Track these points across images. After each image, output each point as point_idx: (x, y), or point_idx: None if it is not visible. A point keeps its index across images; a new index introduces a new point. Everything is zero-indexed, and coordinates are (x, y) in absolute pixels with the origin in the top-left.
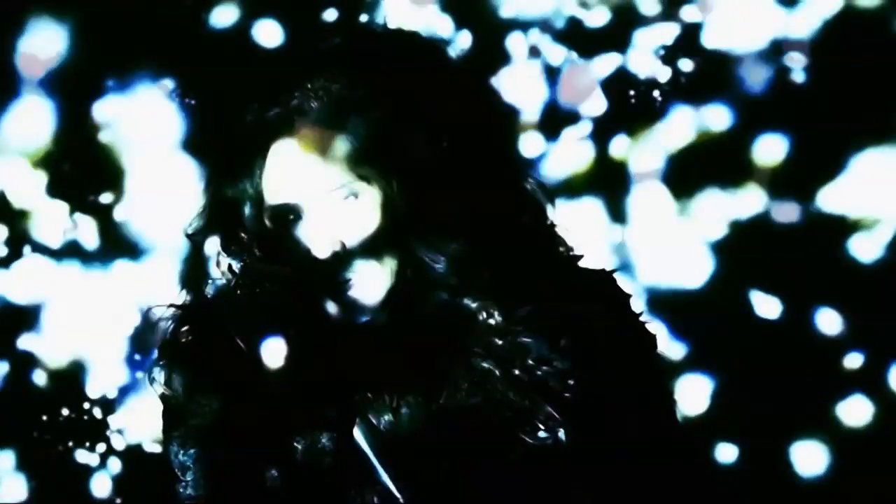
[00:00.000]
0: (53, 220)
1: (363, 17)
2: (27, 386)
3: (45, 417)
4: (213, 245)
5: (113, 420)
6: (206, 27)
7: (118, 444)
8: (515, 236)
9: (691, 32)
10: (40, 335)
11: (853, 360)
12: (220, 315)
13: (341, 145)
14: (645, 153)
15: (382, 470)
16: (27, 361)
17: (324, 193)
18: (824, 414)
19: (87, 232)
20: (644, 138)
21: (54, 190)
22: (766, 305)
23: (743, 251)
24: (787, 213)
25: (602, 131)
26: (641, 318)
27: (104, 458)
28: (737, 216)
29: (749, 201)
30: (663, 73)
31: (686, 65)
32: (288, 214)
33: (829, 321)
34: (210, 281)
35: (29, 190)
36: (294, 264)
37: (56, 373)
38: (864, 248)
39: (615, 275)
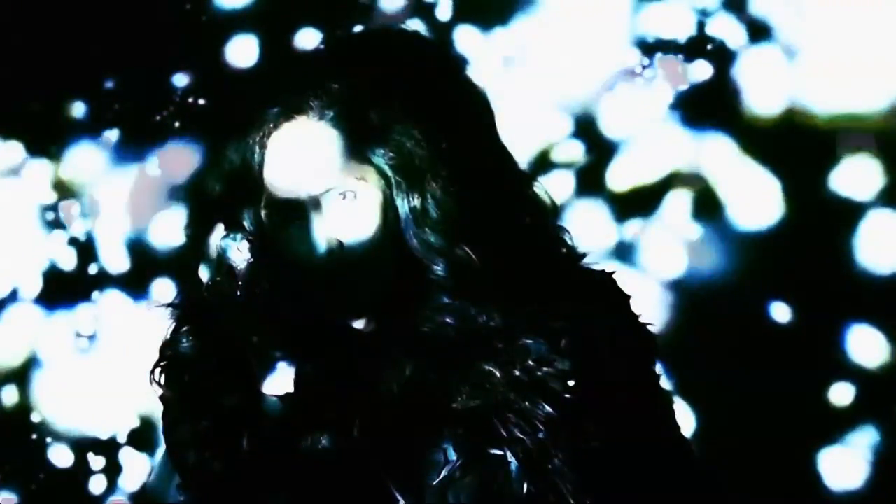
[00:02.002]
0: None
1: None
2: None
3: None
4: (212, 244)
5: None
6: (205, 27)
7: (119, 447)
8: (516, 237)
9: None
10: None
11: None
12: (221, 316)
13: (340, 145)
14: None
15: (385, 473)
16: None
17: (322, 193)
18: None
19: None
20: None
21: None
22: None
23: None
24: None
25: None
26: (642, 319)
27: (107, 463)
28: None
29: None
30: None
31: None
32: (286, 214)
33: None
34: (210, 281)
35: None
36: (292, 264)
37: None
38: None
39: (615, 275)
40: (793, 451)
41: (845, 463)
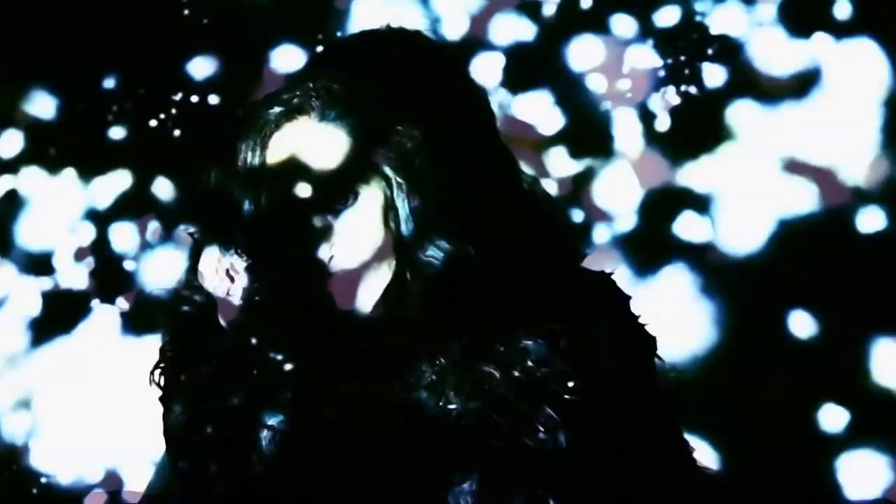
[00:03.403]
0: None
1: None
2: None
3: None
4: (213, 245)
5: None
6: (205, 27)
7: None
8: (516, 237)
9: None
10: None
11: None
12: (219, 318)
13: (341, 145)
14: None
15: (387, 476)
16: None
17: (323, 193)
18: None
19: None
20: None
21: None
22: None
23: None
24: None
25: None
26: (641, 320)
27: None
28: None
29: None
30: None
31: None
32: (287, 214)
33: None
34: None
35: None
36: (292, 264)
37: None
38: None
39: (615, 276)
40: (812, 461)
41: (865, 473)
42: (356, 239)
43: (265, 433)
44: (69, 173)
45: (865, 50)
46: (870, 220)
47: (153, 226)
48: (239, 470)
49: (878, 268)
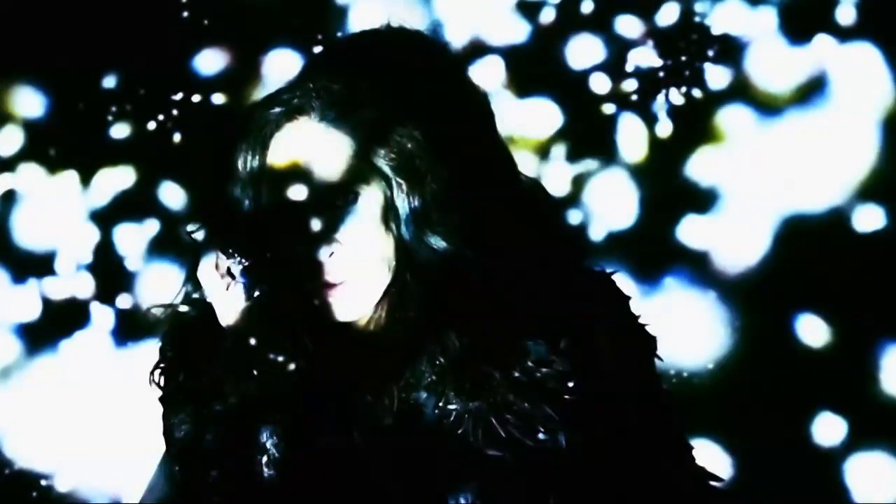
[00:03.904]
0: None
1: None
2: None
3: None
4: (212, 245)
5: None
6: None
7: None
8: (516, 238)
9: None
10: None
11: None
12: (220, 318)
13: (342, 145)
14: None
15: (386, 476)
16: None
17: (324, 193)
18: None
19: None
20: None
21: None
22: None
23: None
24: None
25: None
26: (641, 320)
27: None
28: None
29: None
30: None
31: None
32: (287, 213)
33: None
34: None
35: None
36: (293, 265)
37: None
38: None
39: (615, 276)
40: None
41: (874, 478)
42: (356, 240)
43: (264, 457)
44: (69, 174)
45: (867, 53)
46: (869, 220)
47: (152, 228)
48: (238, 473)
49: (879, 269)
